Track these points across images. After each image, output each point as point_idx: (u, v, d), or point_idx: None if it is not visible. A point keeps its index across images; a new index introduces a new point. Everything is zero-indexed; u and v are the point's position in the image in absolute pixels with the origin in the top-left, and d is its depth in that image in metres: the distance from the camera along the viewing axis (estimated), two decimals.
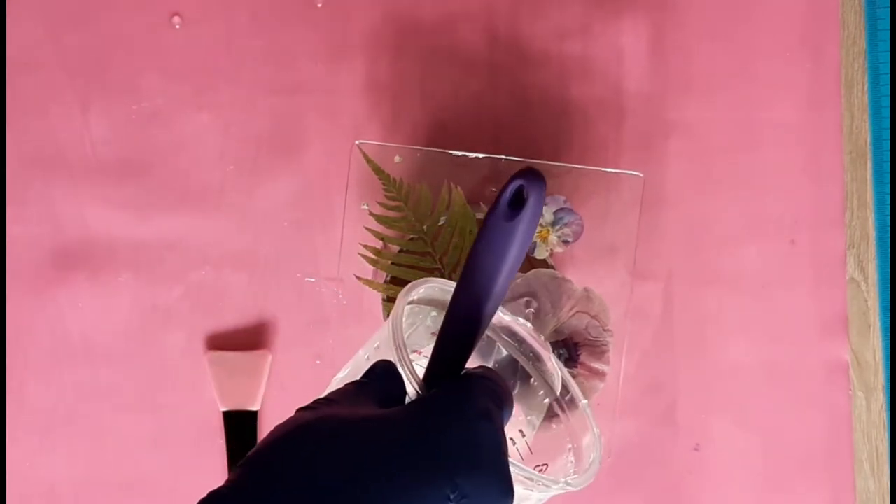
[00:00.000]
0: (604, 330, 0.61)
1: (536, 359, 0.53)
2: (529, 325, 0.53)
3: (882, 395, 0.68)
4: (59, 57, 0.69)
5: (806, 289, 0.68)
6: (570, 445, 0.51)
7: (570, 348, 0.61)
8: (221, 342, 0.68)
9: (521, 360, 0.53)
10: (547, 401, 0.53)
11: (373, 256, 0.64)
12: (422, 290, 0.46)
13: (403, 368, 0.38)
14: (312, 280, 0.68)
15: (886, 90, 0.71)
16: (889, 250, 0.69)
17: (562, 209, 0.63)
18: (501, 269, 0.37)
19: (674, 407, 0.67)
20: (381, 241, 0.64)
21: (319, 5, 0.69)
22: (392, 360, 0.39)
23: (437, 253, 0.62)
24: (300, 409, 0.35)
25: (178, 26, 0.69)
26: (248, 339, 0.68)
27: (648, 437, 0.67)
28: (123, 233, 0.68)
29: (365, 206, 0.65)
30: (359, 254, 0.64)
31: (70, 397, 0.68)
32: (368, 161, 0.64)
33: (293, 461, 0.32)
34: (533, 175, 0.36)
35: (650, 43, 0.69)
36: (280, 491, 0.31)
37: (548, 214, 0.63)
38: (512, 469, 0.35)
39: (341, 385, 0.38)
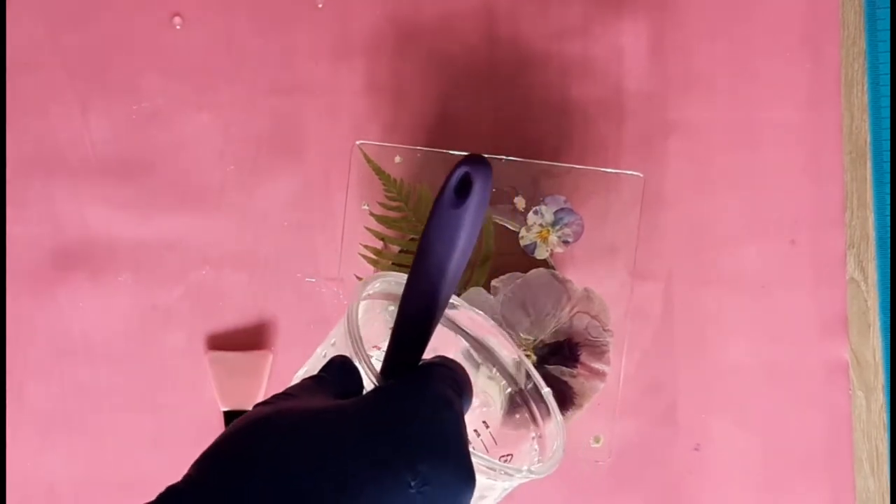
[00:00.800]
0: (604, 330, 0.61)
1: (493, 349, 0.53)
2: (482, 315, 0.52)
3: (882, 395, 0.68)
4: (59, 57, 0.69)
5: (806, 289, 0.68)
6: (533, 434, 0.51)
7: (570, 348, 0.61)
8: (221, 342, 0.68)
9: (478, 352, 0.53)
10: (509, 390, 0.53)
11: (373, 256, 0.64)
12: (377, 285, 0.45)
13: (360, 362, 0.38)
14: (312, 280, 0.68)
15: (886, 90, 0.71)
16: (889, 250, 0.69)
17: (562, 209, 0.63)
18: (451, 256, 0.36)
19: (674, 407, 0.67)
20: (381, 241, 0.64)
21: (320, 6, 0.69)
22: (349, 354, 0.39)
23: None
24: (258, 405, 0.35)
25: (178, 26, 0.69)
26: (248, 339, 0.68)
27: (648, 437, 0.67)
28: (123, 233, 0.68)
29: (365, 206, 0.65)
30: (359, 254, 0.64)
31: (70, 397, 0.68)
32: (368, 161, 0.64)
33: (253, 454, 0.31)
34: (478, 161, 0.35)
35: (650, 43, 0.69)
36: (239, 484, 0.30)
37: (548, 214, 0.63)
38: (474, 459, 0.35)
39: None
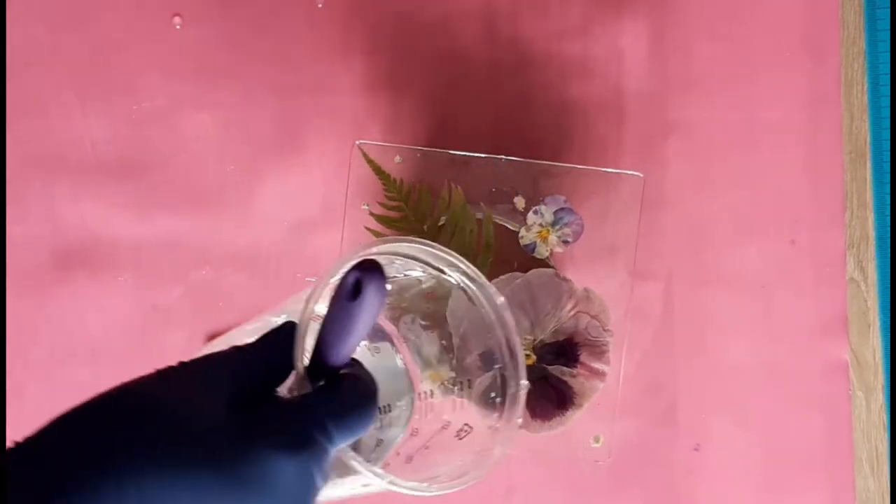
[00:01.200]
0: (604, 330, 0.61)
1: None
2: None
3: (882, 395, 0.68)
4: (59, 57, 0.69)
5: (806, 289, 0.68)
6: (497, 426, 0.51)
7: (570, 348, 0.61)
8: None
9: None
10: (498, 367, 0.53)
11: None
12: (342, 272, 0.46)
13: (298, 350, 0.39)
14: (312, 280, 0.68)
15: (886, 90, 0.71)
16: (889, 250, 0.69)
17: (562, 209, 0.63)
18: (349, 340, 0.39)
19: (674, 407, 0.67)
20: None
21: (320, 5, 0.69)
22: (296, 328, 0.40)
23: None
24: (157, 370, 0.36)
25: (178, 26, 0.69)
26: None
27: (648, 437, 0.67)
28: (123, 233, 0.68)
29: (365, 206, 0.65)
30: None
31: (70, 397, 0.68)
32: (368, 161, 0.64)
33: (75, 428, 0.34)
34: (369, 269, 0.38)
35: (650, 43, 0.69)
36: (44, 455, 0.32)
37: (548, 214, 0.63)
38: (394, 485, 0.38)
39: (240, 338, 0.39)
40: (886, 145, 0.70)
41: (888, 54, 0.71)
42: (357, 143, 0.65)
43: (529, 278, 0.61)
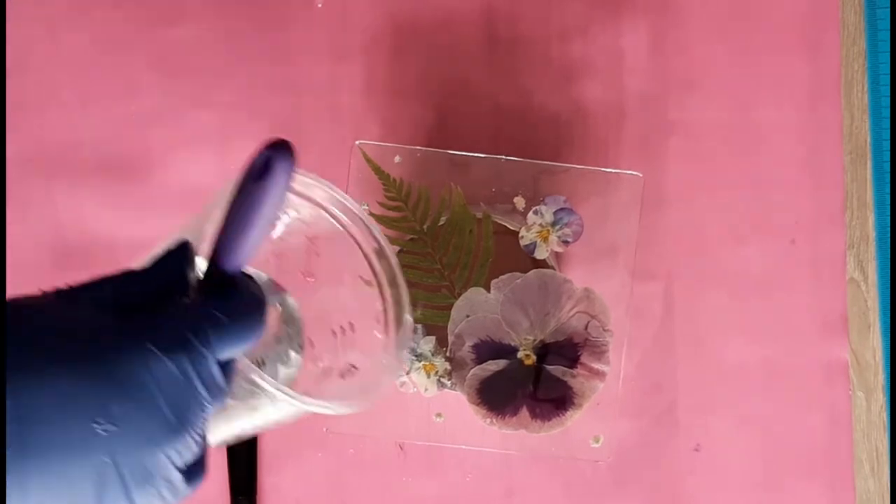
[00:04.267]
0: (604, 330, 0.61)
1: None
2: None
3: (882, 395, 0.68)
4: (59, 57, 0.69)
5: (806, 289, 0.68)
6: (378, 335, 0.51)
7: (570, 348, 0.61)
8: None
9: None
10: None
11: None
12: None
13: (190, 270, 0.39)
14: (312, 280, 0.68)
15: (886, 90, 0.71)
16: (889, 250, 0.69)
17: (562, 209, 0.63)
18: (252, 225, 0.38)
19: (674, 407, 0.67)
20: None
21: (319, 5, 0.69)
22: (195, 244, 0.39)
23: (437, 253, 0.62)
24: (42, 290, 0.36)
25: (178, 26, 0.69)
26: None
27: (648, 437, 0.67)
28: (123, 233, 0.68)
29: (365, 206, 0.65)
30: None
31: None
32: (368, 161, 0.64)
33: None
34: (279, 147, 0.38)
35: (650, 43, 0.69)
36: None
37: (548, 214, 0.63)
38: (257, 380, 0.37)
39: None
40: (887, 145, 0.70)
41: (888, 54, 0.71)
42: (357, 143, 0.65)
43: (529, 278, 0.61)
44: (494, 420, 0.61)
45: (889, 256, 0.69)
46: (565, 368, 0.60)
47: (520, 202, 0.64)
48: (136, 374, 0.34)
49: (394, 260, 0.50)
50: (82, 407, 0.33)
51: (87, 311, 0.36)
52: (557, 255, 0.65)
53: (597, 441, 0.64)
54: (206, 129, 0.69)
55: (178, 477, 0.35)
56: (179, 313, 0.37)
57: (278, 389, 0.39)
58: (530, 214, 0.63)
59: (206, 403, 0.36)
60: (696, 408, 0.67)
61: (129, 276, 0.39)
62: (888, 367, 0.68)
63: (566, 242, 0.63)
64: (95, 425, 0.32)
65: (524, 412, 0.61)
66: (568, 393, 0.61)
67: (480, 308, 0.61)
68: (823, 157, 0.68)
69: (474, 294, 0.61)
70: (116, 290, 0.38)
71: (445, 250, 0.62)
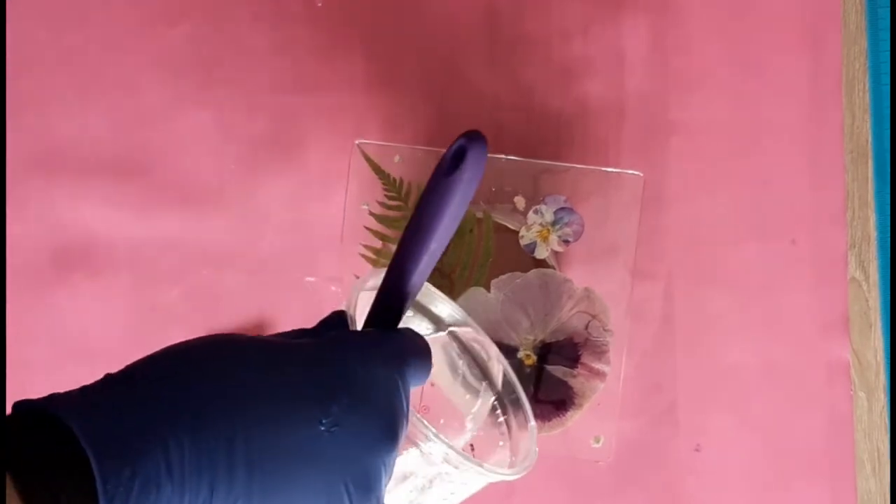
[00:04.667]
0: (604, 330, 0.61)
1: (478, 354, 0.53)
2: (469, 324, 0.53)
3: (883, 396, 0.68)
4: (59, 57, 0.69)
5: (807, 289, 0.68)
6: (502, 442, 0.51)
7: (570, 348, 0.61)
8: None
9: (462, 357, 0.54)
10: (492, 398, 0.53)
11: (372, 256, 0.64)
12: (374, 280, 0.46)
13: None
14: (312, 280, 0.68)
15: (887, 90, 0.71)
16: (890, 250, 0.68)
17: (562, 209, 0.63)
18: (441, 219, 0.38)
19: (674, 407, 0.67)
20: (381, 241, 0.64)
21: (319, 4, 0.69)
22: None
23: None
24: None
25: (178, 26, 0.69)
26: None
27: (648, 437, 0.67)
28: (123, 233, 0.68)
29: (365, 206, 0.65)
30: (359, 253, 0.64)
31: None
32: (368, 161, 0.64)
33: (186, 363, 0.33)
34: (474, 137, 0.38)
35: (650, 43, 0.69)
36: (155, 383, 0.31)
37: (548, 214, 0.63)
38: (449, 451, 0.37)
39: None
40: (888, 145, 0.70)
41: (889, 53, 0.71)
42: (357, 142, 0.65)
43: (529, 278, 0.61)
44: None
45: (890, 256, 0.68)
46: (566, 368, 0.60)
47: (520, 202, 0.64)
48: (358, 377, 0.34)
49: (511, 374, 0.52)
50: (308, 407, 0.32)
51: (295, 334, 0.37)
52: (557, 255, 0.65)
53: (597, 441, 0.64)
54: (206, 129, 0.69)
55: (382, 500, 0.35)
56: (395, 334, 0.38)
57: (456, 451, 0.39)
58: (530, 214, 0.63)
59: (405, 421, 0.36)
60: (696, 408, 0.67)
61: (300, 331, 0.40)
62: (889, 367, 0.68)
63: (566, 242, 0.63)
64: (321, 426, 0.32)
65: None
66: (568, 393, 0.61)
67: (480, 308, 0.60)
68: (824, 156, 0.68)
69: (474, 294, 0.61)
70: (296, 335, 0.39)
71: (445, 250, 0.62)
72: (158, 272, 0.68)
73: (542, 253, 0.63)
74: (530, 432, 0.50)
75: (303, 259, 0.68)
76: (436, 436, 0.38)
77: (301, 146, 0.69)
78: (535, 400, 0.61)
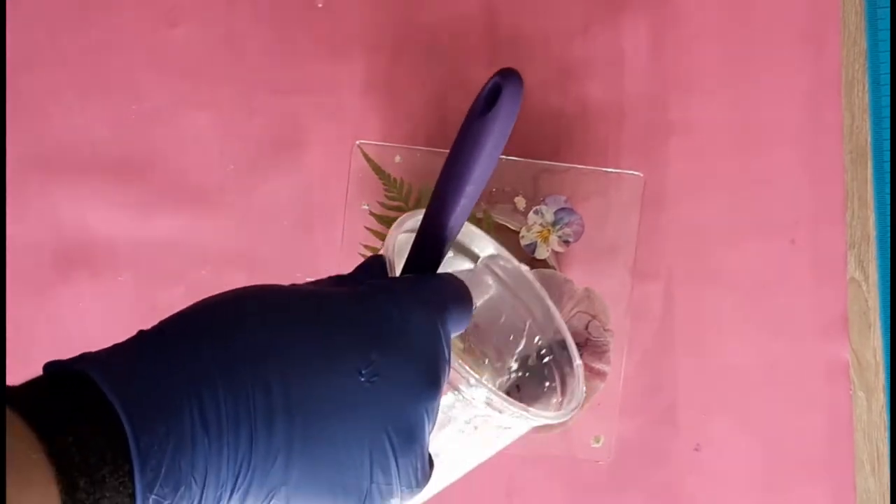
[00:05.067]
0: (604, 330, 0.61)
1: (535, 299, 0.52)
2: (526, 269, 0.52)
3: (883, 395, 0.68)
4: (59, 57, 0.69)
5: (806, 289, 0.68)
6: (548, 383, 0.51)
7: None
8: None
9: (514, 299, 0.53)
10: (538, 339, 0.52)
11: None
12: (411, 222, 0.45)
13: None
14: (312, 280, 0.68)
15: (887, 90, 0.71)
16: (889, 250, 0.69)
17: (562, 209, 0.63)
18: (477, 160, 0.37)
19: (674, 407, 0.67)
20: (381, 241, 0.64)
21: (319, 5, 0.69)
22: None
23: None
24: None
25: (178, 26, 0.69)
26: None
27: (648, 437, 0.67)
28: (123, 233, 0.68)
29: (365, 206, 0.65)
30: (359, 253, 0.64)
31: None
32: (368, 161, 0.64)
33: (221, 315, 0.32)
34: (508, 74, 0.36)
35: (650, 43, 0.69)
36: (187, 341, 0.31)
37: (548, 214, 0.63)
38: (480, 387, 0.35)
39: None
40: (887, 145, 0.70)
41: (888, 54, 0.71)
42: (357, 143, 0.65)
43: None
44: None
45: (889, 256, 0.69)
46: (566, 368, 0.60)
47: (520, 202, 0.64)
48: (397, 325, 0.33)
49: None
50: (347, 356, 0.31)
51: (331, 282, 0.36)
52: (557, 255, 0.65)
53: (597, 441, 0.64)
54: (206, 129, 0.69)
55: (426, 453, 0.34)
56: (434, 279, 0.37)
57: (497, 394, 0.38)
58: (531, 214, 0.63)
59: (447, 367, 0.35)
60: (696, 408, 0.67)
61: (337, 278, 0.39)
62: (889, 366, 0.68)
63: (567, 242, 0.63)
64: (360, 377, 0.31)
65: None
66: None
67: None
68: (824, 156, 0.68)
69: None
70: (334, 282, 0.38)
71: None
72: (159, 272, 0.68)
73: (542, 253, 0.63)
74: (576, 372, 0.49)
75: (303, 259, 0.68)
76: (478, 381, 0.37)
77: (301, 146, 0.69)
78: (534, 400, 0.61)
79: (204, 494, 0.29)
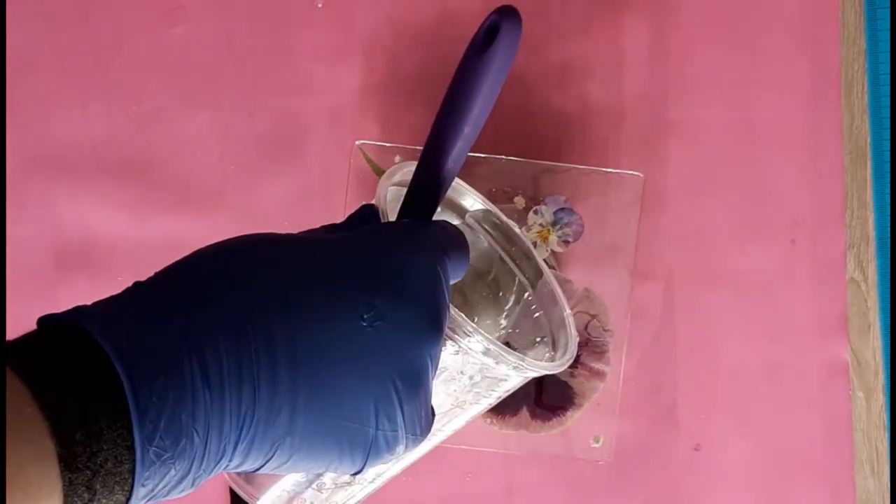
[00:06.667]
0: (604, 330, 0.61)
1: (522, 255, 0.52)
2: (514, 224, 0.52)
3: (882, 396, 0.68)
4: (59, 57, 0.69)
5: (806, 289, 0.68)
6: (539, 338, 0.50)
7: None
8: None
9: (504, 254, 0.52)
10: (527, 294, 0.52)
11: None
12: (402, 173, 0.44)
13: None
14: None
15: (886, 90, 0.71)
16: (889, 250, 0.69)
17: (562, 209, 0.63)
18: (476, 97, 0.36)
19: (674, 407, 0.67)
20: None
21: (319, 5, 0.69)
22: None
23: None
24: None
25: (178, 26, 0.69)
26: None
27: (648, 437, 0.67)
28: (123, 233, 0.68)
29: None
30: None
31: None
32: (368, 161, 0.64)
33: (217, 264, 0.31)
34: (507, 11, 0.36)
35: (650, 43, 0.69)
36: (184, 290, 0.30)
37: (548, 214, 0.63)
38: (490, 345, 0.35)
39: None
40: (887, 145, 0.70)
41: (888, 54, 0.71)
42: (357, 143, 0.65)
43: None
44: (494, 420, 0.61)
45: (889, 256, 0.69)
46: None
47: (520, 202, 0.64)
48: (398, 269, 0.32)
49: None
50: (350, 302, 0.31)
51: (326, 230, 0.36)
52: (557, 255, 0.65)
53: (597, 441, 0.64)
54: (206, 130, 0.69)
55: (430, 400, 0.33)
56: (433, 225, 0.36)
57: (494, 344, 0.37)
58: (530, 214, 0.63)
59: (448, 313, 0.34)
60: (696, 408, 0.67)
61: (330, 226, 0.38)
62: (888, 367, 0.68)
63: (566, 242, 0.63)
64: (363, 322, 0.31)
65: (524, 412, 0.61)
66: (568, 393, 0.61)
67: None
68: (823, 157, 0.68)
69: None
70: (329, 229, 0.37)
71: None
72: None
73: (541, 253, 0.63)
74: (567, 322, 0.48)
75: None
76: (475, 329, 0.36)
77: (301, 146, 0.69)
78: (534, 401, 0.61)
79: (207, 447, 0.28)
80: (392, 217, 0.39)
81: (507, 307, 0.52)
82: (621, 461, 0.67)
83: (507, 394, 0.43)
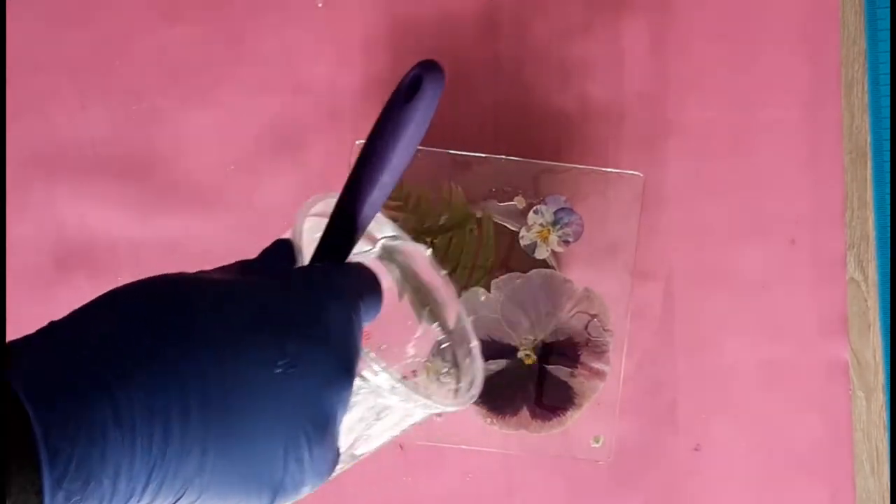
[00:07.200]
0: (604, 330, 0.61)
1: (430, 291, 0.52)
2: (428, 255, 0.52)
3: (882, 395, 0.68)
4: (59, 57, 0.69)
5: (806, 289, 0.68)
6: (445, 369, 0.51)
7: (570, 348, 0.61)
8: None
9: (412, 294, 0.52)
10: (441, 337, 0.52)
11: None
12: (320, 205, 0.45)
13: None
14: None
15: (886, 90, 0.71)
16: (889, 250, 0.69)
17: (562, 209, 0.63)
18: (395, 147, 0.37)
19: (674, 407, 0.67)
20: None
21: (320, 5, 0.69)
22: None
23: (438, 252, 0.62)
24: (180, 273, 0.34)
25: (178, 26, 0.69)
26: None
27: (648, 437, 0.67)
28: (123, 233, 0.68)
29: None
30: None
31: None
32: None
33: (132, 307, 0.31)
34: (430, 65, 0.38)
35: (650, 43, 0.69)
36: (100, 330, 0.30)
37: (548, 214, 0.63)
38: (380, 372, 0.35)
39: None
40: (887, 145, 0.70)
41: (888, 54, 0.71)
42: (357, 143, 0.65)
43: (529, 278, 0.61)
44: (495, 420, 0.61)
45: (889, 256, 0.69)
46: (566, 368, 0.60)
47: (520, 202, 0.64)
48: (314, 315, 0.33)
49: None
50: (263, 347, 0.31)
51: (237, 274, 0.36)
52: (557, 255, 0.65)
53: (597, 441, 0.64)
54: (206, 129, 0.69)
55: (337, 442, 0.33)
56: (347, 269, 0.37)
57: (401, 383, 0.37)
58: (530, 214, 0.63)
59: (359, 354, 0.34)
60: (696, 408, 0.67)
61: (243, 263, 0.38)
62: (888, 366, 0.68)
63: (566, 242, 0.63)
64: (277, 368, 0.31)
65: (524, 412, 0.61)
66: (568, 393, 0.61)
67: (480, 308, 0.61)
68: (823, 157, 0.68)
69: (474, 294, 0.61)
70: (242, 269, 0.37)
71: (445, 250, 0.62)
72: (159, 272, 0.68)
73: (542, 253, 0.63)
74: (473, 357, 0.49)
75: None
76: (384, 369, 0.37)
77: (301, 146, 0.69)
78: (534, 401, 0.61)
79: (116, 487, 0.28)
80: (307, 251, 0.39)
81: (414, 336, 0.53)
82: (621, 461, 0.67)
83: (412, 426, 0.44)
